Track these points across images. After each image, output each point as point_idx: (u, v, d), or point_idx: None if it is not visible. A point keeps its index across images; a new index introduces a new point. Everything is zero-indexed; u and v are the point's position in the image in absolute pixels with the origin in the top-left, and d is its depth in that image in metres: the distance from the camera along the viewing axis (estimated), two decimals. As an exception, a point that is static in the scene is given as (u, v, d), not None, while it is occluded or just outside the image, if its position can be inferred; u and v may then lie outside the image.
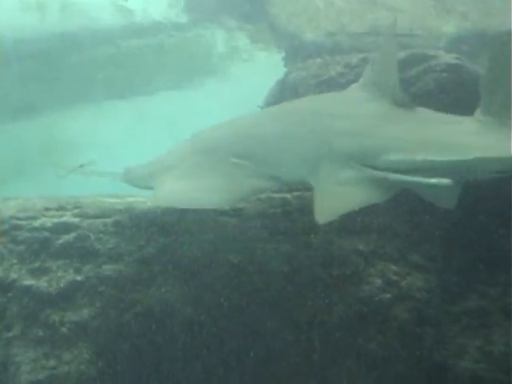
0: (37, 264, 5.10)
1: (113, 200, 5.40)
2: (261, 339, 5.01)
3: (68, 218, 5.14)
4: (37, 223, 5.20)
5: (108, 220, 5.21)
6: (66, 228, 5.17)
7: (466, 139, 4.15)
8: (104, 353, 4.96)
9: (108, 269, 5.08)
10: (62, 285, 5.01)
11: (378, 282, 5.19)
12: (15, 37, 9.96)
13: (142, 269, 5.09)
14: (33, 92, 10.51)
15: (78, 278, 5.04)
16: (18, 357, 4.92)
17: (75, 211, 5.23)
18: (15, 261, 5.12)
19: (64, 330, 4.96)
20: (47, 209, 5.28)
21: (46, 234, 5.17)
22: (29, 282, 5.03)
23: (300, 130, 4.45)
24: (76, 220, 5.17)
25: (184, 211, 5.24)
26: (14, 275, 5.06)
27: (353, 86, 4.66)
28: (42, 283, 5.02)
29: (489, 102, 4.33)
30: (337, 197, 4.07)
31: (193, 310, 5.00)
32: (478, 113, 4.38)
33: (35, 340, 4.96)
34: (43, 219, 5.22)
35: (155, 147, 5.67)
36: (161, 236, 5.20)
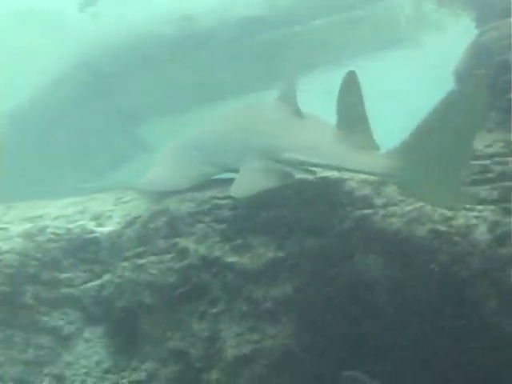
0: (239, 241, 5.23)
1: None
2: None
3: (265, 193, 5.13)
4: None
5: (300, 193, 5.28)
6: (264, 204, 5.26)
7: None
8: (309, 326, 5.00)
9: (309, 243, 5.10)
10: (264, 261, 5.10)
11: None
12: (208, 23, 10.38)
13: (342, 241, 5.07)
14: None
15: (280, 253, 5.11)
16: (224, 332, 5.08)
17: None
18: (218, 239, 5.28)
19: (267, 304, 5.03)
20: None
21: (247, 211, 5.30)
22: (231, 258, 5.17)
23: (235, 130, 5.86)
24: (277, 194, 5.23)
25: (381, 184, 5.15)
26: (217, 252, 5.22)
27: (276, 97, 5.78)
28: (244, 260, 5.14)
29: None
30: (249, 180, 5.24)
31: (402, 277, 4.89)
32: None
33: (239, 315, 5.08)
34: (243, 198, 5.34)
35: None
36: (359, 208, 5.15)
